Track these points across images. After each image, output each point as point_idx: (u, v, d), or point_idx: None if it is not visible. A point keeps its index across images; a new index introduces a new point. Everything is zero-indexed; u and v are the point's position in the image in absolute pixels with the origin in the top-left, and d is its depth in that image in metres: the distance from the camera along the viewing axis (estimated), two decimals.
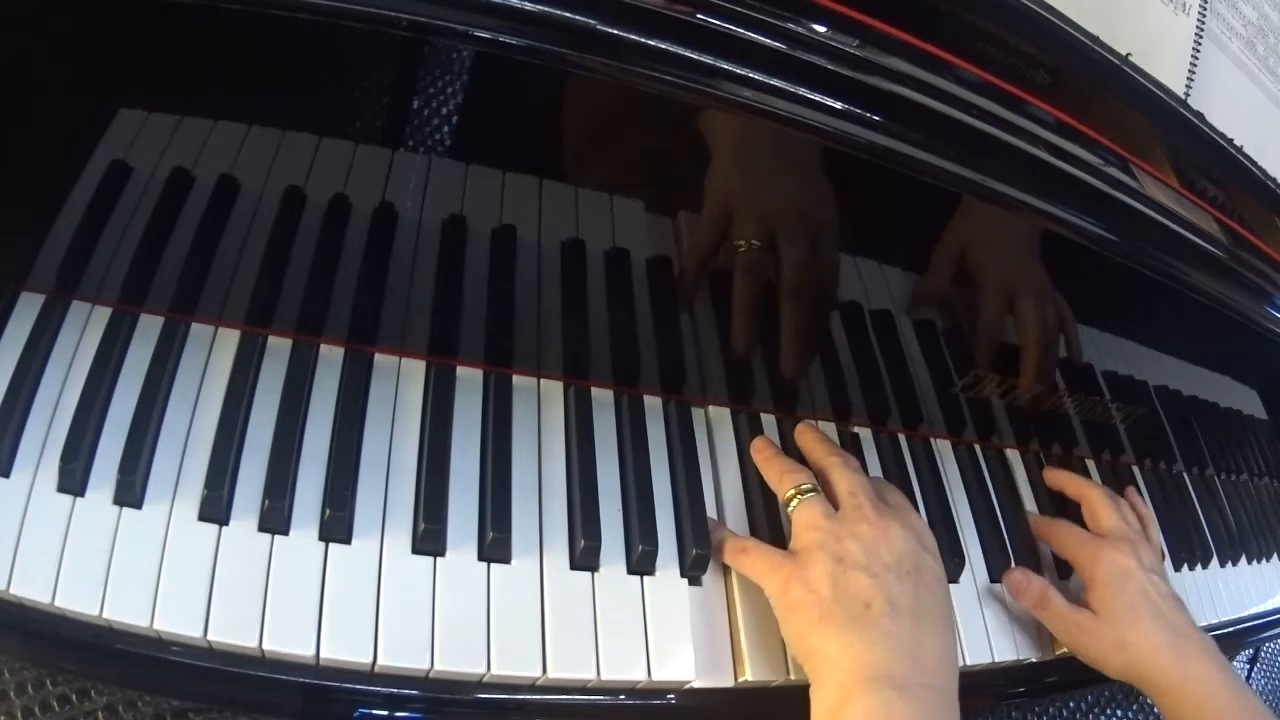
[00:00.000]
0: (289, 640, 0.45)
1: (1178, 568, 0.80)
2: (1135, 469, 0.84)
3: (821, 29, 0.45)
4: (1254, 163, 0.64)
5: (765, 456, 0.61)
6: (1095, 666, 0.62)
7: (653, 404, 0.62)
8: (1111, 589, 0.62)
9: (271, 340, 0.54)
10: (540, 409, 0.58)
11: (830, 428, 0.67)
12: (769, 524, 0.59)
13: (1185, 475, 0.90)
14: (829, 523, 0.54)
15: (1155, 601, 0.61)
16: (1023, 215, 0.52)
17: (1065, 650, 0.66)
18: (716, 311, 0.58)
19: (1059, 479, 0.73)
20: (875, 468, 0.67)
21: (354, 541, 0.49)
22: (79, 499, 0.46)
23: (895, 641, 0.49)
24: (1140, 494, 0.82)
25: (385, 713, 0.48)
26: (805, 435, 0.63)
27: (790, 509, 0.56)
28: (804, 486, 0.56)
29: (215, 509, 0.47)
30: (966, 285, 0.61)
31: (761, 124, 0.47)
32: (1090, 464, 0.80)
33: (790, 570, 0.52)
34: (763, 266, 0.55)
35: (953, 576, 0.65)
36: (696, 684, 0.53)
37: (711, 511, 0.59)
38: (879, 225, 0.59)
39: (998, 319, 0.63)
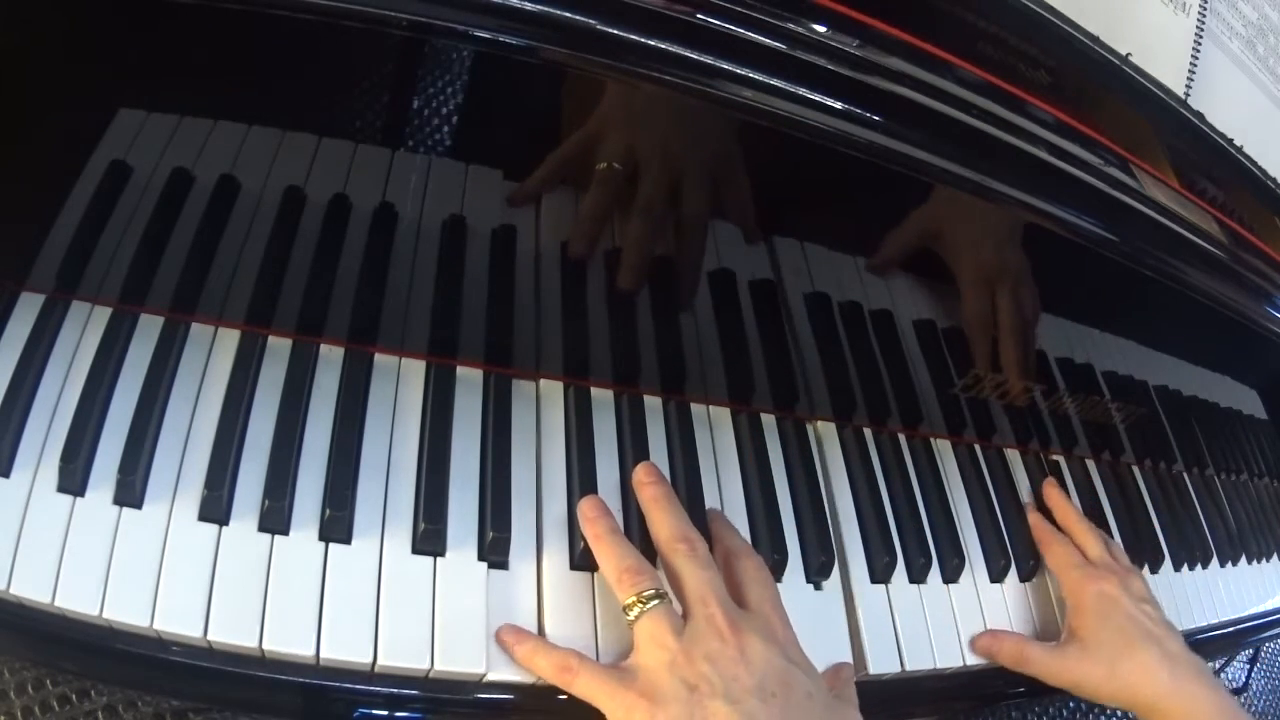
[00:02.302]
0: (289, 640, 0.45)
1: (1177, 568, 0.80)
2: (1135, 469, 0.84)
3: (821, 29, 0.45)
4: (1254, 163, 0.64)
5: (597, 533, 0.52)
6: (1089, 698, 0.61)
7: (653, 404, 0.62)
8: (1098, 617, 0.62)
9: (271, 340, 0.54)
10: (540, 409, 0.58)
11: (830, 428, 0.67)
12: (769, 525, 0.59)
13: (1185, 475, 0.90)
14: (678, 641, 0.47)
15: (1145, 625, 0.61)
16: (1023, 215, 0.52)
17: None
18: (717, 312, 0.58)
19: (1051, 500, 0.72)
20: (876, 467, 0.67)
21: (354, 541, 0.49)
22: (79, 499, 0.46)
23: None
24: (1141, 495, 0.82)
25: (385, 713, 0.48)
26: (646, 491, 0.54)
27: (631, 617, 0.48)
28: (647, 593, 0.48)
29: (215, 509, 0.47)
30: (957, 279, 0.61)
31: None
32: (1090, 464, 0.80)
33: (633, 701, 0.45)
34: (618, 187, 0.51)
35: (953, 577, 0.65)
36: None
37: None
38: (878, 225, 0.58)
39: (993, 314, 0.63)
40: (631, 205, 0.52)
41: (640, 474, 0.55)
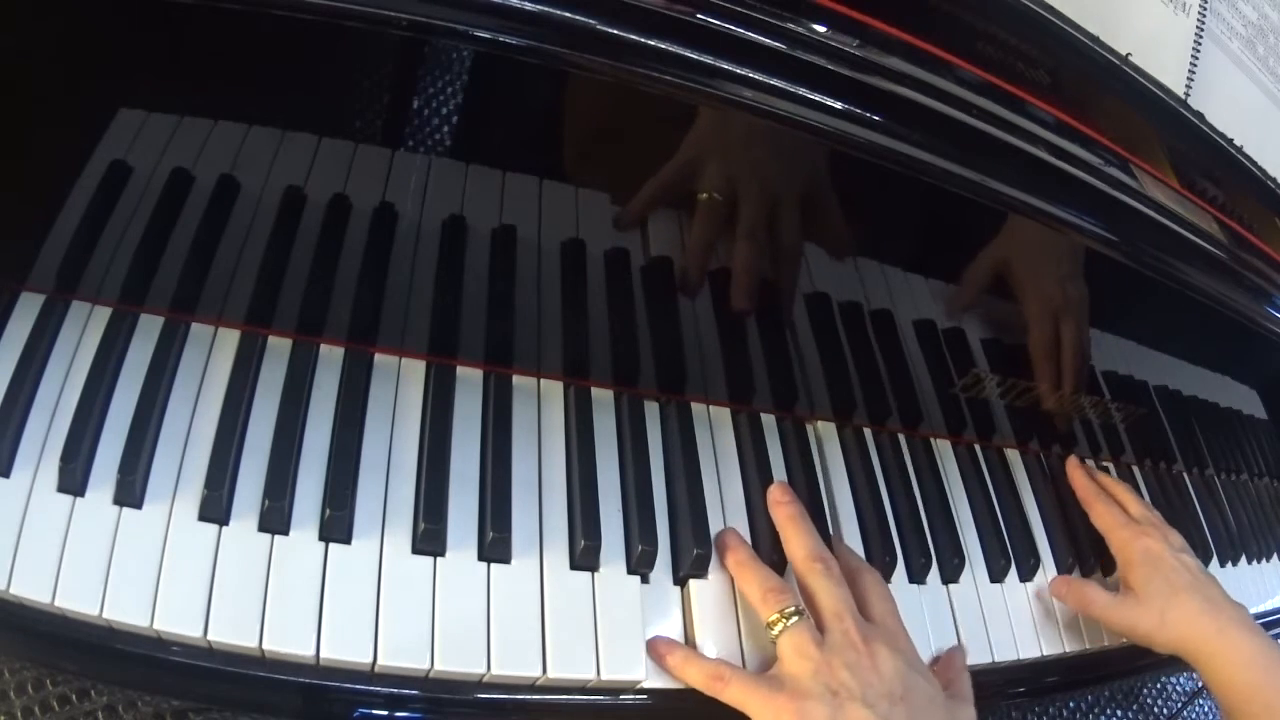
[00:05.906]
0: (289, 640, 0.45)
1: None
2: (1135, 469, 0.84)
3: (821, 29, 0.45)
4: (1254, 163, 0.64)
5: (739, 560, 0.57)
6: (1144, 644, 0.65)
7: (652, 404, 0.62)
8: (1146, 570, 0.66)
9: (271, 340, 0.54)
10: (540, 409, 0.58)
11: (830, 428, 0.67)
12: (769, 528, 0.59)
13: (1185, 475, 0.90)
14: (819, 651, 0.51)
15: (1187, 577, 0.65)
16: (1023, 215, 0.52)
17: (1065, 650, 0.66)
18: (717, 312, 0.58)
19: (1076, 478, 0.75)
20: (875, 467, 0.67)
21: (354, 541, 0.49)
22: (79, 499, 0.46)
23: None
24: (1140, 494, 0.82)
25: (385, 713, 0.48)
26: (782, 510, 0.59)
27: (775, 633, 0.53)
28: (789, 610, 0.53)
29: (215, 509, 0.47)
30: (978, 288, 0.61)
31: (756, 127, 0.47)
32: (1090, 464, 0.80)
33: (783, 704, 0.50)
34: (720, 217, 0.53)
35: (953, 577, 0.65)
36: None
37: (715, 512, 0.59)
38: (879, 226, 0.59)
39: (1004, 320, 0.63)
40: (736, 232, 0.54)
41: (775, 493, 0.60)
